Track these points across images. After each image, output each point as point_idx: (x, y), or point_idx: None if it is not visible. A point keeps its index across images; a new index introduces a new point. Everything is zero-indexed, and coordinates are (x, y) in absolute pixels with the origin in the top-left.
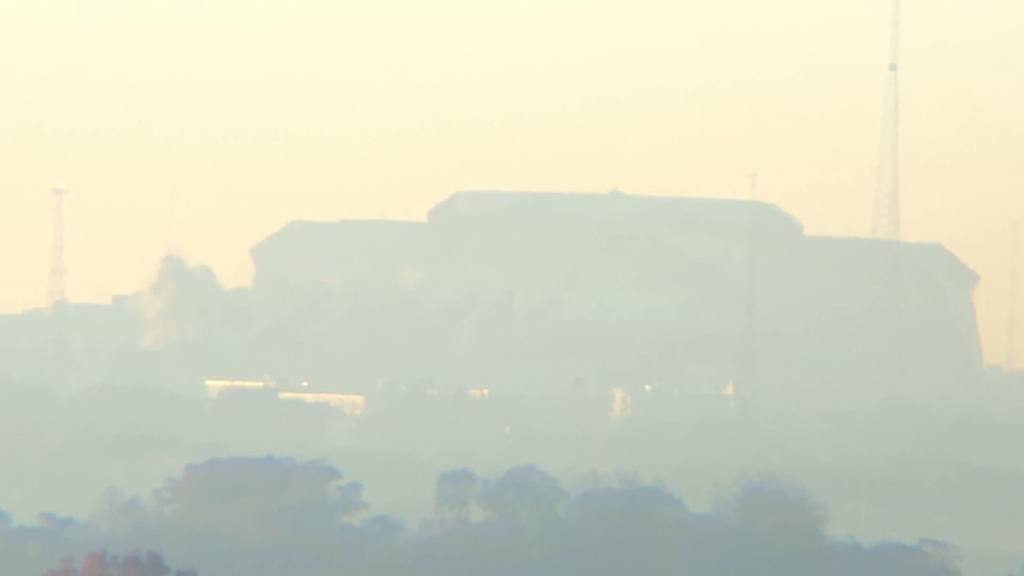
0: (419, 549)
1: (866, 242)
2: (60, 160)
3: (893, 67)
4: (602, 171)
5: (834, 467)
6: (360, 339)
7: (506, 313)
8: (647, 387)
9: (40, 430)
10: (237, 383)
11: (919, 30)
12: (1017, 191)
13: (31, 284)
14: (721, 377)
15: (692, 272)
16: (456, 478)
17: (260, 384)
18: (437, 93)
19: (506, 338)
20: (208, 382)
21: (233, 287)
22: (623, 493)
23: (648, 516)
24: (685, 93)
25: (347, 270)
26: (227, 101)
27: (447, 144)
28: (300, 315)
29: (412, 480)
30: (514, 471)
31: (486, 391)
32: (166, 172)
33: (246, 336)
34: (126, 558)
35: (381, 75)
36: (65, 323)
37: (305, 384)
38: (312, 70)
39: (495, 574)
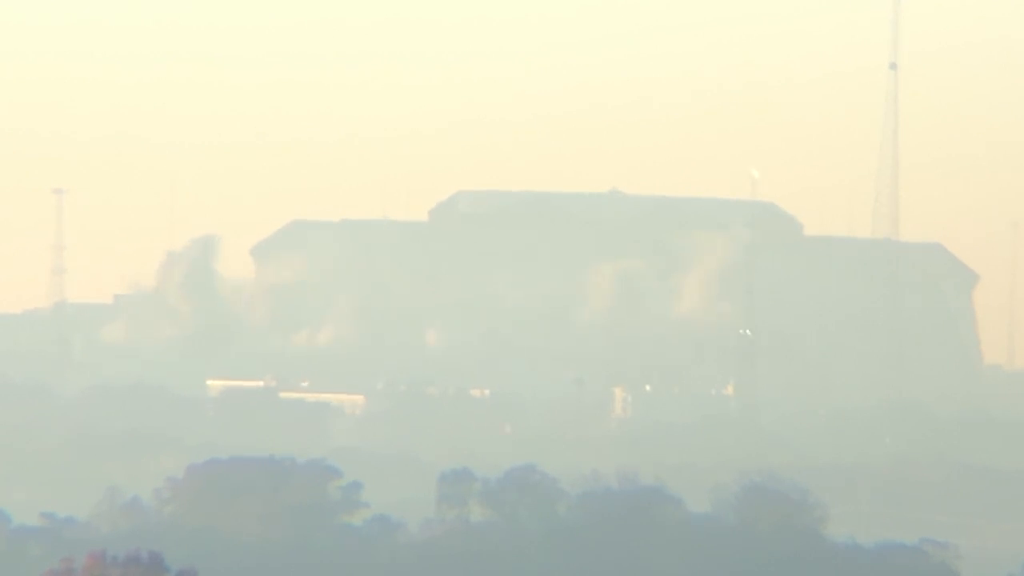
0: (419, 549)
1: (866, 242)
2: (60, 160)
3: (893, 67)
4: (602, 171)
5: (834, 466)
6: (360, 339)
7: (506, 313)
8: (647, 387)
9: (40, 430)
10: (237, 383)
11: (919, 30)
12: (1017, 191)
13: (31, 284)
14: (721, 377)
15: (692, 272)
16: (456, 478)
17: (260, 384)
18: (437, 93)
19: (506, 338)
20: (208, 382)
21: (233, 287)
22: (623, 493)
23: (648, 516)
24: (685, 93)
25: (347, 270)
26: (227, 101)
27: (447, 144)
28: (300, 315)
29: (412, 480)
30: (514, 471)
31: (486, 391)
32: (166, 172)
33: (246, 336)
34: (126, 558)
35: (381, 75)
36: (65, 323)
37: (305, 384)
38: (312, 70)
39: (495, 574)
